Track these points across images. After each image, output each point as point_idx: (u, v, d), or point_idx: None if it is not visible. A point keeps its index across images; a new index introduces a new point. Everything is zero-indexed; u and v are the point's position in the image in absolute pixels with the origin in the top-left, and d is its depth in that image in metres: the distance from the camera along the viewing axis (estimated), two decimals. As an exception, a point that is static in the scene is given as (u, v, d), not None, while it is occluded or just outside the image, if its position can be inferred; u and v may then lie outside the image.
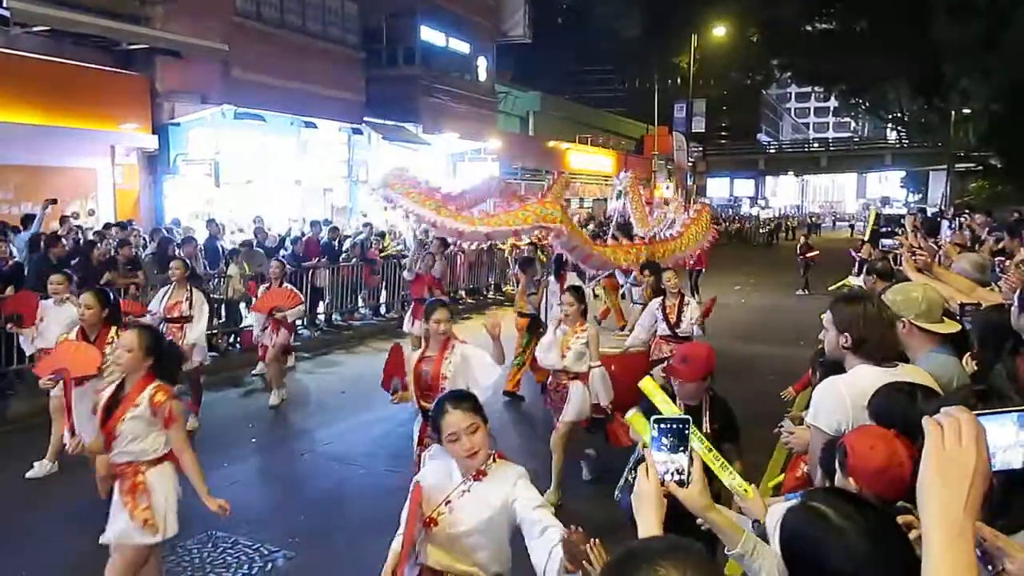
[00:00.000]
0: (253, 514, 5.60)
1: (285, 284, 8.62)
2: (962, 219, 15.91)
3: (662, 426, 1.73)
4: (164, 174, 13.82)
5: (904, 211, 39.47)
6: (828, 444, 2.33)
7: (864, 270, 6.15)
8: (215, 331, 10.76)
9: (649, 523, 1.68)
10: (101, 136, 12.62)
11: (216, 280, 10.76)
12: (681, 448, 1.71)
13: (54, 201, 11.24)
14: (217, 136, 14.39)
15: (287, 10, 15.53)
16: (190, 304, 7.21)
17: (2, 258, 8.61)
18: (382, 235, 14.15)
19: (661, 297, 6.99)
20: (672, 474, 1.71)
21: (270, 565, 4.76)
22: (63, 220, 11.06)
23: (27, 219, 10.72)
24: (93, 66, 12.50)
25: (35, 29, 11.24)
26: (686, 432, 1.71)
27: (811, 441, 2.77)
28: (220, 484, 6.19)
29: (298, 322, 12.30)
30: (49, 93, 11.61)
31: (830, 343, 2.81)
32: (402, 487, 6.39)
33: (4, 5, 10.09)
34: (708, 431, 3.50)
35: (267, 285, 8.64)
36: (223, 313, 10.97)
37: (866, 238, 11.18)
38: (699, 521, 1.93)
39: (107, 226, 11.55)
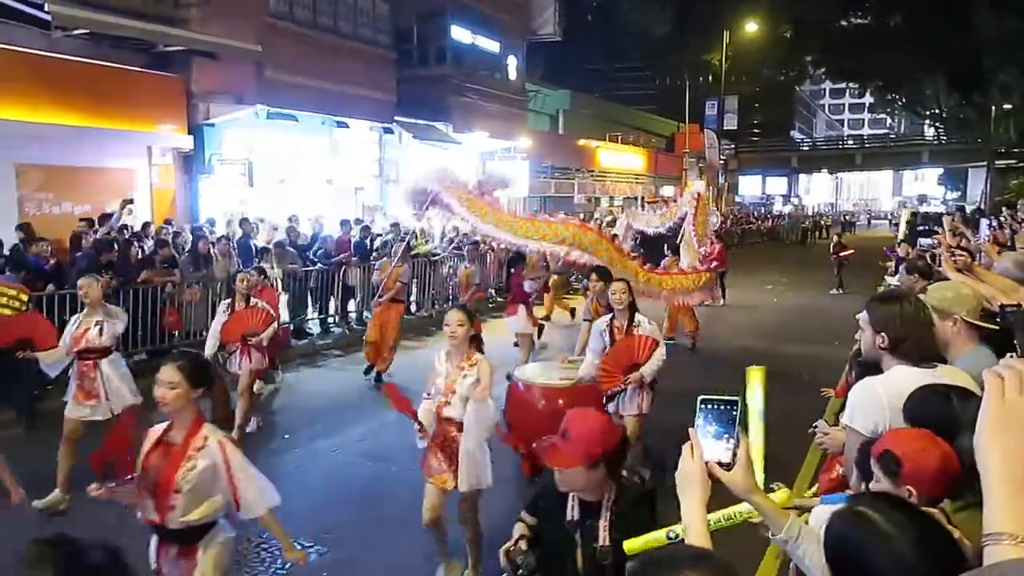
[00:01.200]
0: (287, 509, 5.65)
1: (254, 300, 7.14)
2: (1002, 217, 15.56)
3: (709, 406, 1.72)
4: (199, 174, 14.03)
5: (942, 209, 38.70)
6: (864, 446, 2.30)
7: (904, 269, 6.03)
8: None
9: (692, 505, 1.67)
10: (138, 137, 12.85)
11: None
12: (727, 431, 1.71)
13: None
14: (251, 136, 14.57)
15: (320, 11, 15.67)
16: (100, 330, 5.74)
17: (43, 256, 8.82)
18: (412, 234, 14.20)
19: (610, 315, 5.73)
20: (717, 455, 1.71)
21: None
22: (103, 219, 11.30)
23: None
24: (131, 68, 12.73)
25: (75, 32, 11.47)
26: (734, 414, 1.70)
27: (847, 442, 2.73)
28: (254, 479, 6.29)
29: (330, 319, 12.48)
30: (88, 95, 11.84)
31: (866, 343, 2.77)
32: (433, 484, 6.39)
33: (46, 9, 10.32)
34: (606, 543, 2.51)
35: (228, 302, 7.21)
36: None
37: (900, 238, 11.04)
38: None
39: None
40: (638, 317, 5.57)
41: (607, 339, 5.59)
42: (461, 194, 7.30)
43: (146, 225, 11.80)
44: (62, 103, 11.47)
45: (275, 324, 7.19)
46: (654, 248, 11.32)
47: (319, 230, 13.46)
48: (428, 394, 4.34)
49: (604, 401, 5.53)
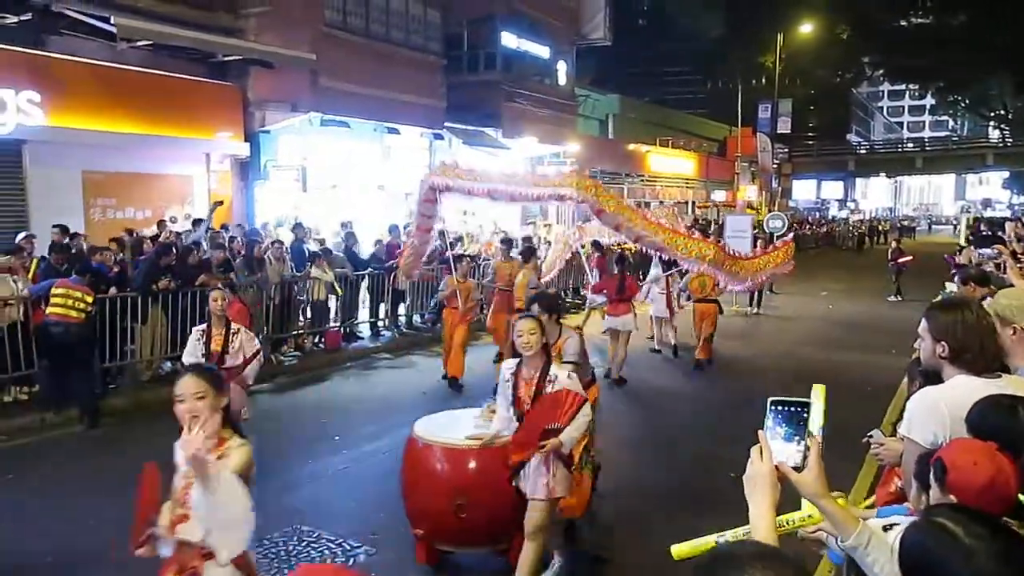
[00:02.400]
0: (336, 509, 5.76)
1: (235, 326, 5.98)
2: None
3: (779, 408, 1.70)
4: (255, 180, 14.37)
5: (1007, 214, 37.33)
6: (924, 457, 2.23)
7: (958, 278, 5.82)
8: (301, 331, 11.13)
9: (761, 508, 1.64)
10: (197, 144, 13.23)
11: (302, 282, 11.10)
12: (798, 433, 1.68)
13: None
14: (304, 143, 14.87)
15: (372, 20, 15.92)
16: None
17: (106, 264, 9.12)
18: (460, 239, 14.30)
19: (517, 359, 4.24)
20: (787, 458, 1.68)
21: (352, 560, 4.87)
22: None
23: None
24: (190, 77, 13.12)
25: (139, 44, 11.88)
26: (805, 416, 1.68)
27: (904, 454, 2.64)
28: (306, 479, 6.40)
29: (381, 323, 12.62)
30: (150, 104, 12.24)
31: (926, 352, 2.68)
32: (480, 488, 6.39)
33: (111, 22, 10.71)
34: None
35: (203, 328, 5.92)
36: (309, 313, 11.32)
37: (962, 243, 10.76)
38: None
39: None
40: (553, 369, 4.14)
41: (510, 393, 4.18)
42: (612, 202, 7.69)
43: (193, 227, 12.14)
44: (126, 112, 11.88)
45: (260, 359, 5.89)
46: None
47: (352, 243, 13.12)
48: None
49: (509, 477, 4.19)
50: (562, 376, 4.12)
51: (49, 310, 7.72)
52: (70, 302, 7.69)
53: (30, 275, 8.55)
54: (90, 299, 7.85)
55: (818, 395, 1.94)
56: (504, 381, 4.24)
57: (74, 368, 7.77)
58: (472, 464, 4.49)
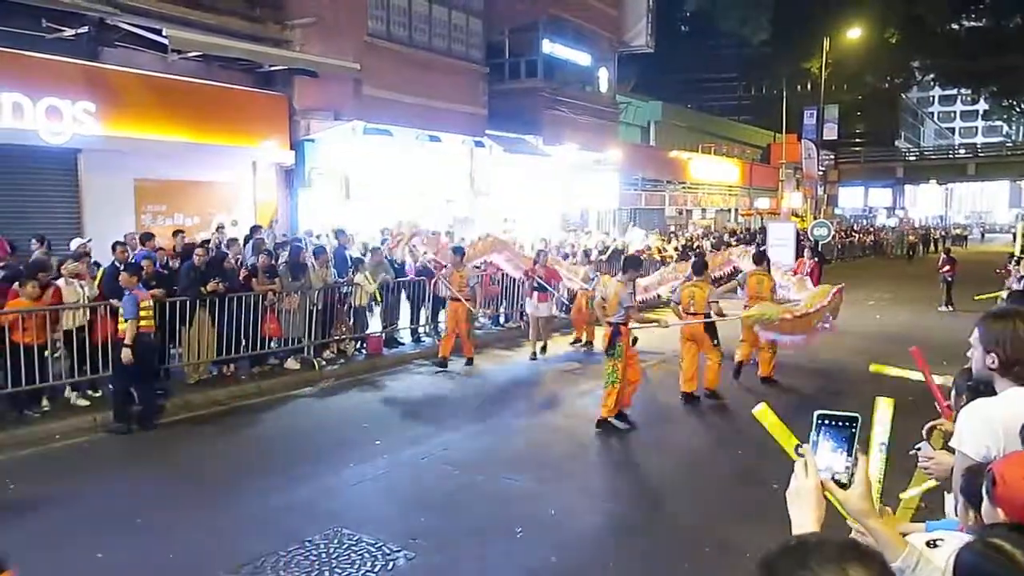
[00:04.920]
0: (376, 513, 5.81)
1: None
2: None
3: (826, 423, 1.66)
4: (299, 187, 14.61)
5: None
6: (973, 471, 2.16)
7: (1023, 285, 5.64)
8: (343, 336, 11.26)
9: (804, 524, 1.60)
10: (244, 152, 13.50)
11: (345, 288, 11.22)
12: (845, 449, 1.64)
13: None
14: (348, 150, 15.06)
15: (415, 29, 16.09)
16: None
17: (157, 252, 9.43)
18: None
19: None
20: (833, 474, 1.64)
21: (392, 564, 4.90)
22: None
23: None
24: (238, 87, 13.41)
25: (189, 55, 12.19)
26: (853, 431, 1.64)
27: (955, 467, 2.57)
28: (347, 482, 6.47)
29: (421, 329, 12.69)
30: (200, 113, 12.54)
31: (977, 363, 2.61)
32: (518, 496, 6.43)
33: (163, 34, 11.02)
34: None
35: None
36: (351, 319, 11.44)
37: (1018, 253, 10.43)
38: None
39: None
40: None
41: None
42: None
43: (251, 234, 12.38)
44: (176, 121, 12.19)
45: None
46: None
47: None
48: None
49: None
50: None
51: (142, 324, 7.85)
52: (150, 313, 7.94)
53: (96, 282, 8.76)
54: (153, 304, 8.11)
55: (885, 409, 1.78)
56: None
57: (146, 374, 7.97)
58: None
